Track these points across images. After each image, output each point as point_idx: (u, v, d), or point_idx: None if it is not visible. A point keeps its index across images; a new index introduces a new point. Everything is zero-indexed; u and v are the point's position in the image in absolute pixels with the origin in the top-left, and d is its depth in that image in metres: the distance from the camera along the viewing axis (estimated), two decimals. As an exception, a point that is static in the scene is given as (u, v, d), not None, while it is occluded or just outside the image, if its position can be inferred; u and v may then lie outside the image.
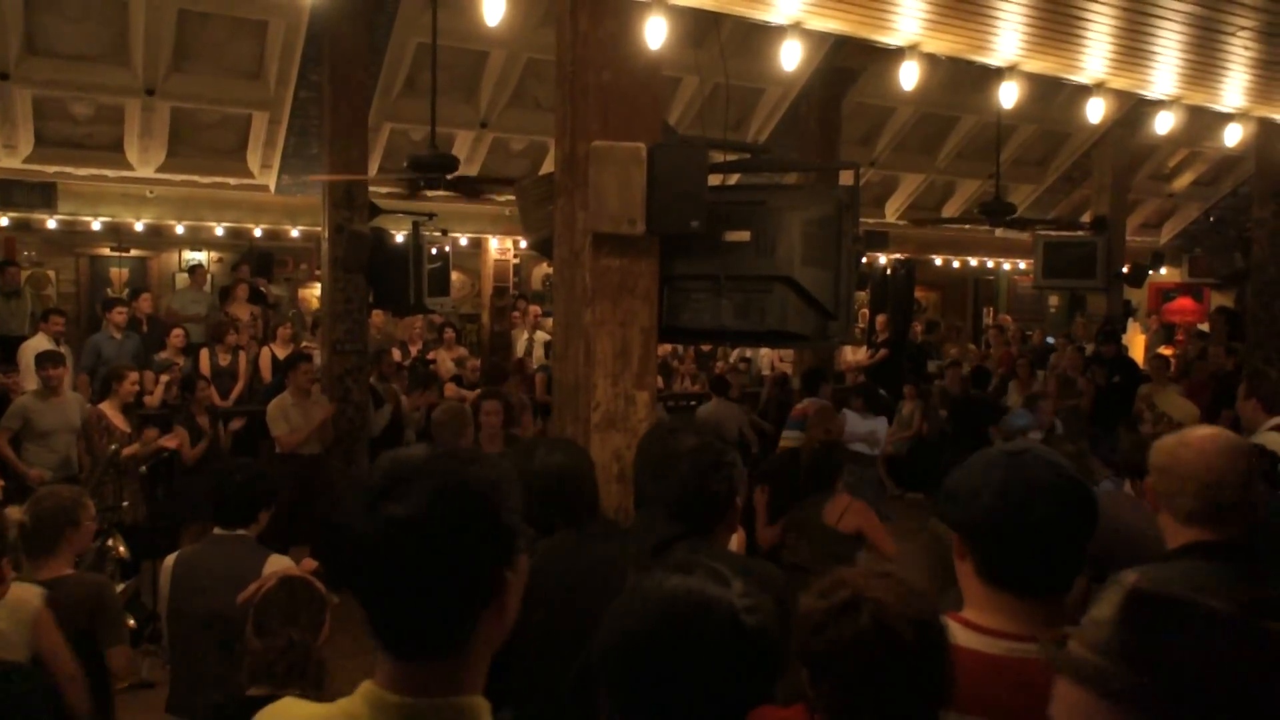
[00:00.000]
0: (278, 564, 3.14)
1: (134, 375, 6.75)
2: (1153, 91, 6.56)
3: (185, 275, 11.52)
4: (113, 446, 6.29)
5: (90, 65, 8.16)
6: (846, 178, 4.13)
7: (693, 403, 9.42)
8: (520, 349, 11.17)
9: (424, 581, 1.08)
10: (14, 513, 3.23)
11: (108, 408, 6.48)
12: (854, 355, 11.14)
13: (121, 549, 5.40)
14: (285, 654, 2.40)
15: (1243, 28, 5.15)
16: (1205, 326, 12.50)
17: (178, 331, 8.70)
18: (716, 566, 1.32)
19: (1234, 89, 6.47)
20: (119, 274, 11.94)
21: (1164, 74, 6.12)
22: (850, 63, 8.85)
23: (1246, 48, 5.48)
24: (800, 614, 1.39)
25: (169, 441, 6.57)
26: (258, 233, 10.79)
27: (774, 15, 4.92)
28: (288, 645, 2.41)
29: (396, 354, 9.54)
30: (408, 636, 1.12)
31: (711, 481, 1.98)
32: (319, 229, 7.89)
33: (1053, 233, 11.30)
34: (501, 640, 1.20)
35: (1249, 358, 8.44)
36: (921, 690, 1.35)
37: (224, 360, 8.54)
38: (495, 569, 1.12)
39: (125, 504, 6.07)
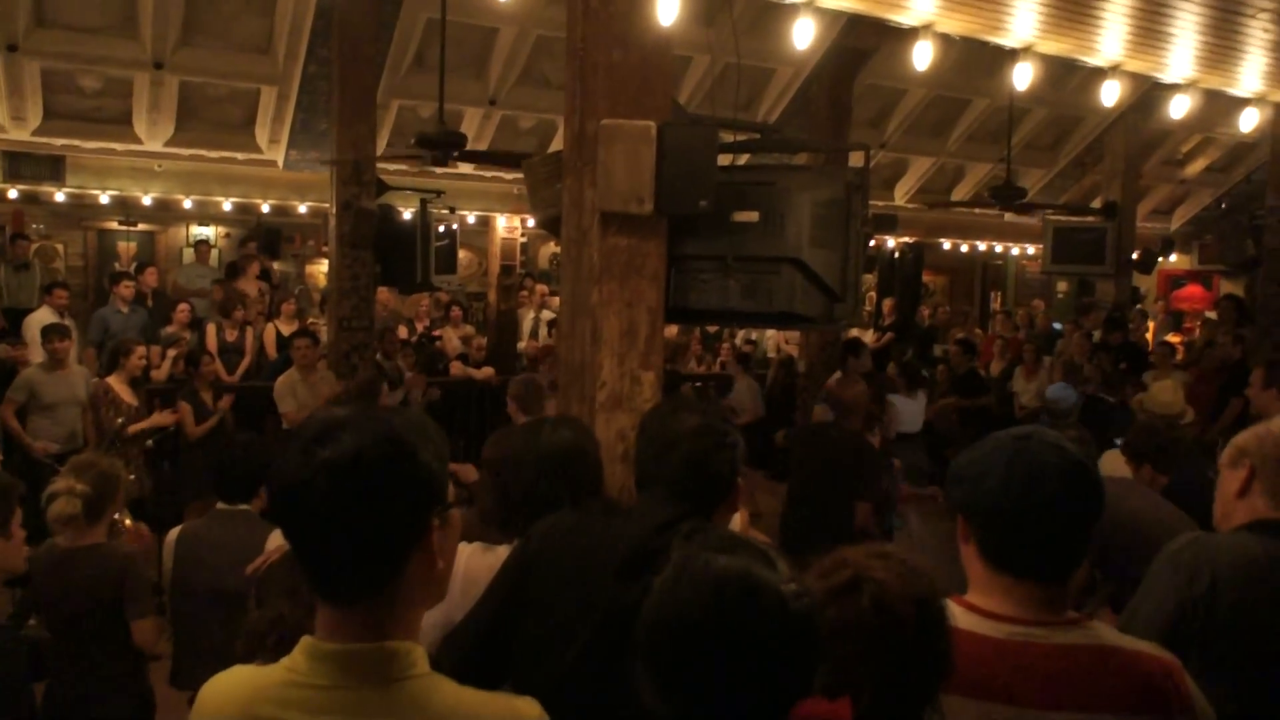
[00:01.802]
0: (280, 538, 3.14)
1: (141, 349, 6.77)
2: (1168, 75, 6.49)
3: (192, 250, 11.54)
4: (119, 420, 6.31)
5: (99, 38, 8.13)
6: (856, 159, 4.11)
7: (697, 384, 9.44)
8: (526, 328, 11.16)
9: (354, 520, 1.16)
10: (69, 484, 3.26)
11: (115, 381, 6.50)
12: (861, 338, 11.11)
13: (128, 522, 5.43)
14: (274, 626, 2.40)
15: (1262, 10, 5.09)
16: (1213, 314, 12.44)
17: (183, 306, 8.72)
18: (762, 548, 1.31)
19: (1251, 73, 6.40)
20: (127, 248, 11.95)
21: (1180, 57, 6.05)
22: (862, 43, 8.77)
23: (1266, 30, 5.42)
24: None
25: (166, 418, 6.59)
26: (265, 208, 10.78)
27: (786, -7, 4.88)
28: (277, 618, 2.41)
29: (403, 331, 9.55)
30: (340, 577, 1.20)
31: (713, 462, 1.97)
32: (326, 205, 7.88)
33: (1062, 218, 11.23)
34: (436, 595, 1.30)
35: (1259, 346, 8.39)
36: (921, 669, 1.35)
37: (231, 336, 8.57)
38: (422, 513, 1.21)
39: (131, 478, 6.09)
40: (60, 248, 11.71)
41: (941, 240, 14.58)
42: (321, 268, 12.09)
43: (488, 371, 9.18)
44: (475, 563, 2.51)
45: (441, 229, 7.63)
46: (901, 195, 12.88)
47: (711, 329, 10.96)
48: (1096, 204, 11.42)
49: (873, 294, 12.09)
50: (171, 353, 8.05)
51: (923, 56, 5.48)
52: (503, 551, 2.32)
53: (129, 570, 3.26)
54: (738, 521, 2.53)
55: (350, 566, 1.19)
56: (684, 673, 1.24)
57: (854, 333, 10.76)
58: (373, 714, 1.20)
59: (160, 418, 6.58)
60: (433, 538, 1.23)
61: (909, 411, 7.63)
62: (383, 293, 9.06)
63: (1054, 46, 5.85)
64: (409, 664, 1.23)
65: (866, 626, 1.34)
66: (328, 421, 1.20)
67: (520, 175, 5.90)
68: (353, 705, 1.20)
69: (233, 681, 1.29)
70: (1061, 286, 16.28)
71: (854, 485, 4.84)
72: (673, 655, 1.25)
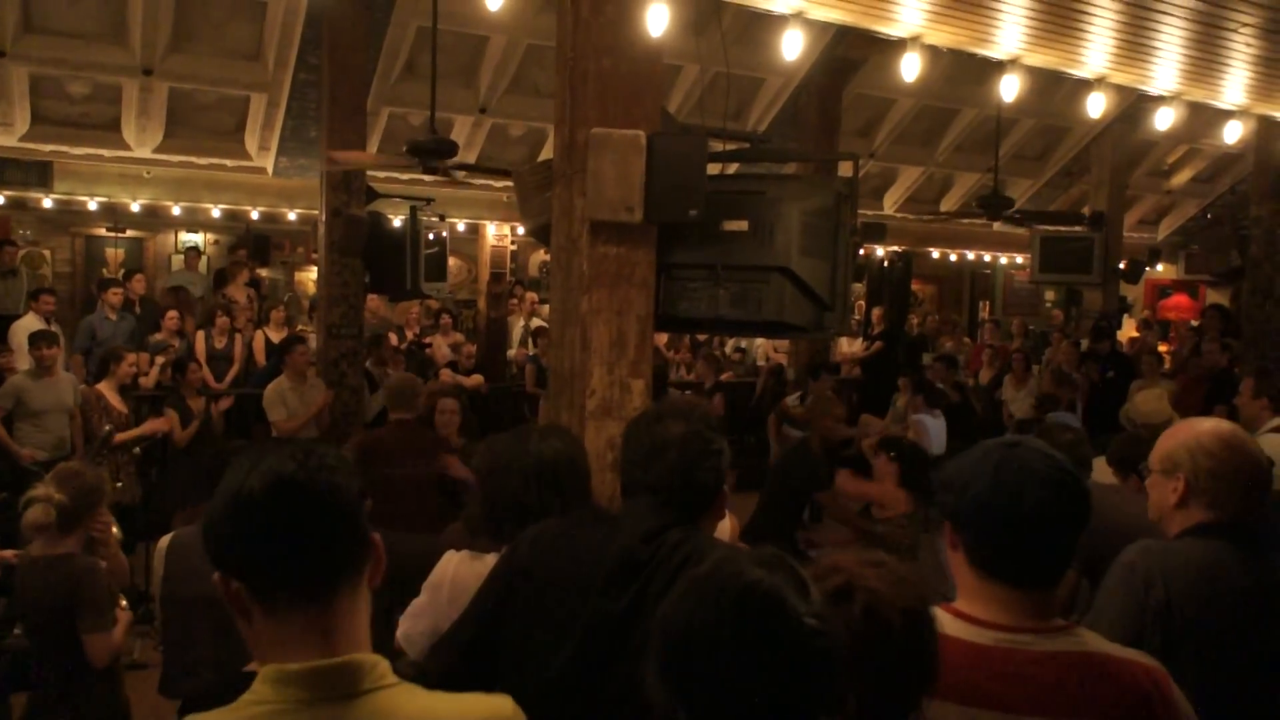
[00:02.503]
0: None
1: (131, 357, 6.75)
2: (1154, 87, 6.55)
3: (181, 257, 11.50)
4: (108, 427, 6.28)
5: (88, 44, 8.11)
6: (845, 169, 4.13)
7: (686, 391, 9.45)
8: (516, 336, 11.16)
9: (339, 503, 1.24)
10: (47, 492, 3.23)
11: (105, 388, 6.48)
12: (849, 347, 11.15)
13: (115, 529, 5.40)
14: None
15: (1245, 24, 5.15)
16: (1196, 323, 12.53)
17: (172, 313, 8.69)
18: (803, 575, 1.30)
19: (1235, 86, 6.47)
20: (115, 254, 11.90)
21: (1165, 69, 6.11)
22: (851, 53, 8.83)
23: (1248, 44, 5.48)
24: None
25: (159, 425, 6.57)
26: (255, 215, 10.75)
27: (776, 4, 4.91)
28: None
29: (393, 338, 9.54)
30: (305, 580, 1.23)
31: (699, 470, 1.97)
32: (316, 212, 7.87)
33: (1050, 228, 11.30)
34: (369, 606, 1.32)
35: (1244, 355, 8.46)
36: (908, 677, 1.36)
37: (219, 343, 8.54)
38: (365, 523, 1.28)
39: (120, 485, 6.07)
40: (48, 254, 11.64)
41: (930, 249, 14.65)
42: (311, 275, 12.07)
43: (477, 379, 9.17)
44: (464, 571, 2.51)
45: (431, 236, 7.62)
46: (890, 205, 12.94)
47: (701, 337, 10.98)
48: (1084, 214, 11.50)
49: (861, 303, 12.15)
50: (159, 360, 8.03)
51: (911, 67, 5.52)
52: (491, 559, 2.32)
53: (83, 582, 3.22)
54: (726, 529, 2.54)
55: (318, 569, 1.23)
56: (685, 669, 1.24)
57: (843, 342, 10.81)
58: None
59: (152, 424, 6.56)
60: (378, 548, 1.30)
61: (936, 431, 7.39)
62: (372, 300, 9.05)
63: (1041, 59, 5.91)
64: (378, 675, 1.23)
65: (857, 633, 1.34)
66: (255, 449, 1.31)
67: (510, 183, 5.92)
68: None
69: None
70: (1049, 296, 16.37)
71: (804, 484, 5.40)
72: (679, 650, 1.25)
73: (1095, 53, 5.80)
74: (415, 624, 2.54)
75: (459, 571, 2.53)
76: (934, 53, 5.64)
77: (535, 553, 2.01)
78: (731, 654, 1.21)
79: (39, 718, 3.24)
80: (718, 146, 4.26)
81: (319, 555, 1.23)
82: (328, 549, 1.23)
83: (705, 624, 1.23)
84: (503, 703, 1.35)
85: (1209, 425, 2.23)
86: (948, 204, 13.09)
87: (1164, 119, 6.85)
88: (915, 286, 14.20)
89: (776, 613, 1.22)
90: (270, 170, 9.73)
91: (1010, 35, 5.49)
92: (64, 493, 3.24)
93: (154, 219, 11.05)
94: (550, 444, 2.36)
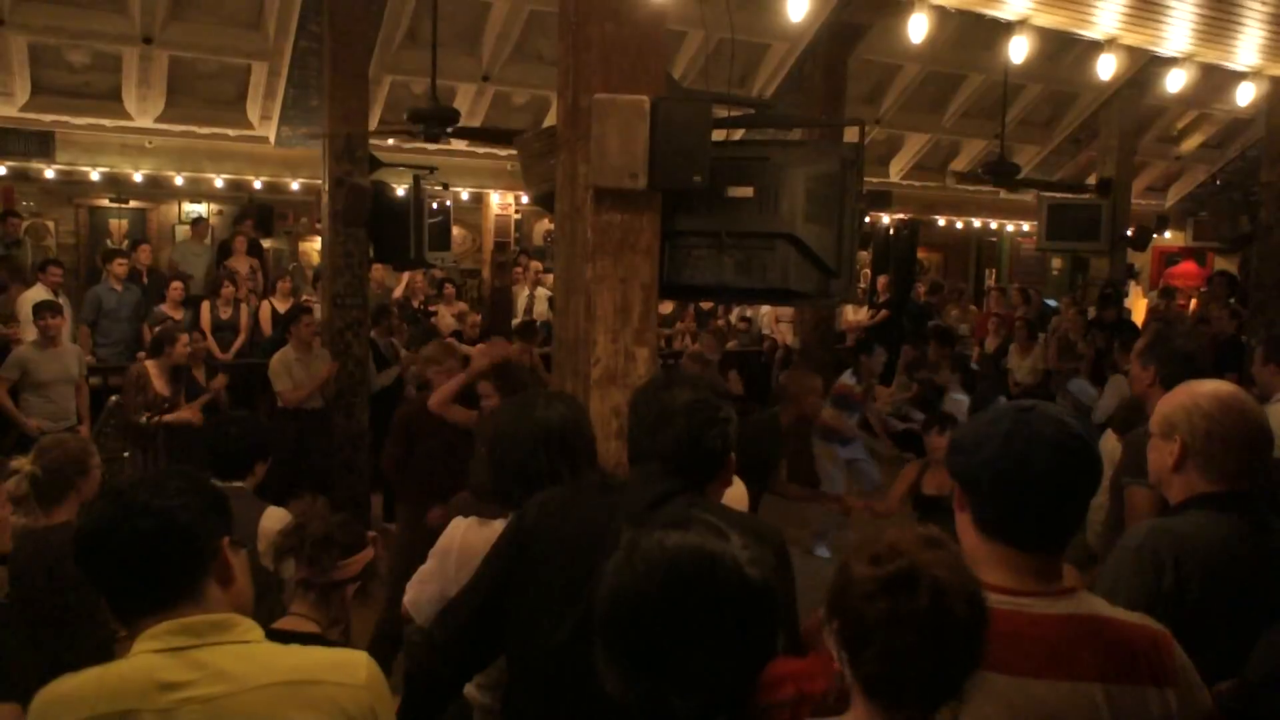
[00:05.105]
0: (274, 516, 3.15)
1: (185, 338, 6.56)
2: (1165, 48, 6.45)
3: (186, 227, 11.48)
4: (145, 416, 6.07)
5: (87, 12, 8.04)
6: (851, 135, 4.09)
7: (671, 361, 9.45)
8: (521, 305, 11.15)
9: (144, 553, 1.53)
10: (22, 463, 3.22)
11: (153, 366, 6.28)
12: (854, 315, 11.13)
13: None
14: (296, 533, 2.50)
15: (1259, -17, 5.06)
16: (1204, 289, 12.47)
17: (176, 284, 8.69)
18: (711, 520, 1.31)
19: (1248, 46, 6.36)
20: (118, 225, 11.88)
21: (1178, 29, 6.02)
22: (857, 17, 8.72)
23: (1264, 2, 5.39)
24: (847, 578, 1.34)
25: (191, 415, 6.32)
26: (257, 185, 10.71)
27: (781, -33, 4.84)
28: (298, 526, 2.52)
29: (399, 292, 9.57)
30: (147, 590, 1.56)
31: (707, 437, 1.97)
32: (319, 182, 7.83)
33: (1057, 194, 11.22)
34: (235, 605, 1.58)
35: (1251, 322, 8.41)
36: (965, 661, 1.34)
37: (225, 314, 8.55)
38: (195, 544, 1.55)
39: (126, 455, 6.10)
40: (51, 225, 11.63)
41: (936, 217, 14.56)
42: (315, 245, 12.05)
43: (482, 348, 9.16)
44: (471, 537, 2.52)
45: (435, 205, 7.59)
46: (896, 172, 12.85)
47: (706, 305, 10.96)
48: (1091, 181, 11.41)
49: (867, 271, 12.11)
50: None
51: (918, 29, 5.44)
52: (498, 525, 2.33)
53: (63, 556, 3.17)
54: (735, 496, 2.53)
55: (153, 582, 1.52)
56: (650, 656, 1.23)
57: (848, 310, 10.79)
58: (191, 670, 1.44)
59: (185, 414, 6.37)
60: (226, 557, 1.56)
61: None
62: (377, 270, 9.04)
63: (1050, 19, 5.81)
64: (242, 631, 1.50)
65: (923, 621, 1.30)
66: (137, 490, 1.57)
67: (514, 151, 5.88)
68: (174, 660, 1.45)
69: (71, 687, 1.53)
70: (1056, 263, 16.28)
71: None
72: (636, 639, 1.24)
73: (1106, 12, 5.71)
74: (423, 590, 2.55)
75: (467, 537, 2.54)
76: (941, 14, 5.56)
77: (542, 519, 2.01)
78: (689, 622, 1.21)
79: (29, 690, 3.24)
80: (722, 112, 4.22)
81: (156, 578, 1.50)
82: (157, 579, 1.51)
83: (652, 605, 1.22)
84: (357, 657, 1.54)
85: (1208, 387, 2.19)
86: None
87: (1175, 81, 6.75)
88: (921, 254, 14.16)
89: (711, 567, 1.23)
90: (272, 139, 9.67)
91: (1020, -5, 5.41)
92: (40, 464, 3.16)
93: (156, 189, 11.02)
94: (556, 409, 2.35)
